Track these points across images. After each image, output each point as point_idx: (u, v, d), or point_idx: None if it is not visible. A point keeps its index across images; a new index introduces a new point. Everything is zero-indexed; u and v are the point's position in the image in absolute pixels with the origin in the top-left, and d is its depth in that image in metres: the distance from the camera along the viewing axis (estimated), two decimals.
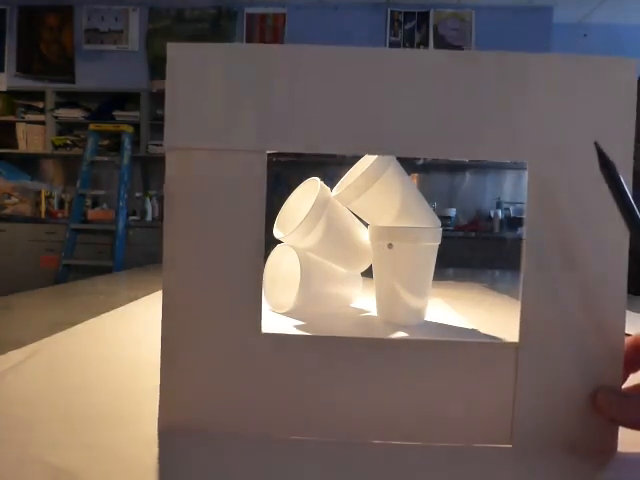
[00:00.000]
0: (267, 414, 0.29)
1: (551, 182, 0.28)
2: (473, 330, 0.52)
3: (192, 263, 0.29)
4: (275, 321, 0.52)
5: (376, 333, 0.50)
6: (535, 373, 0.29)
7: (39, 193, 3.35)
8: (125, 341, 0.48)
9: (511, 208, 3.24)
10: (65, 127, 3.51)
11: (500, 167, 3.34)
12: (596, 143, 0.26)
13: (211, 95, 0.29)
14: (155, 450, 0.26)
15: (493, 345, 0.30)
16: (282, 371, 0.29)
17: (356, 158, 0.54)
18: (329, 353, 0.29)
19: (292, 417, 0.29)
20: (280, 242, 0.55)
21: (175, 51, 0.29)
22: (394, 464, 0.26)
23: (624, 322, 0.28)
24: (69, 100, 3.47)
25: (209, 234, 0.29)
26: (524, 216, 0.29)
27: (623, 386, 0.29)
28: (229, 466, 0.25)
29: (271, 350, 0.29)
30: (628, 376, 0.29)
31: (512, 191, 3.38)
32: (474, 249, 2.91)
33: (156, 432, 0.28)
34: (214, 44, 0.29)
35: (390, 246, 0.51)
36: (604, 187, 0.27)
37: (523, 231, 0.29)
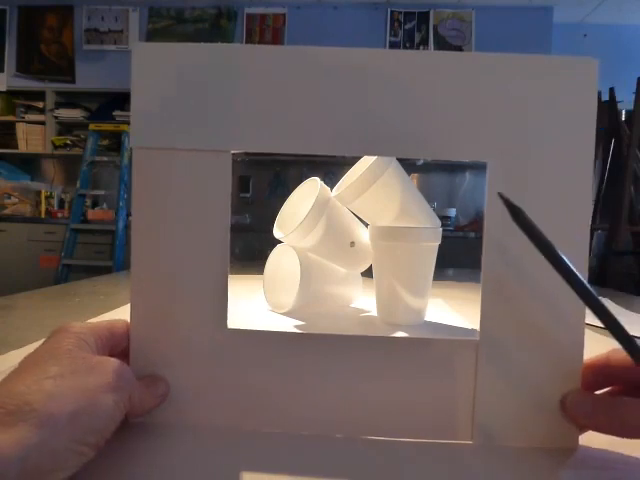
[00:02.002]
0: (233, 407, 0.30)
1: (510, 182, 0.29)
2: (473, 330, 0.52)
3: (159, 260, 0.30)
4: (275, 321, 0.52)
5: (375, 333, 0.50)
6: (495, 370, 0.29)
7: (39, 193, 3.35)
8: None
9: None
10: (65, 127, 3.50)
11: None
12: (500, 194, 0.26)
13: (177, 95, 0.29)
14: (125, 442, 0.27)
15: (453, 342, 0.30)
16: (248, 365, 0.30)
17: (356, 158, 0.54)
18: (293, 348, 0.30)
19: (258, 410, 0.30)
20: (280, 242, 0.55)
21: (140, 51, 0.29)
22: (356, 457, 0.27)
23: (584, 317, 0.29)
24: (69, 100, 3.47)
25: (175, 231, 0.30)
26: (484, 217, 0.29)
27: None
28: (195, 458, 0.26)
29: (237, 345, 0.30)
30: (605, 387, 0.29)
31: None
32: (474, 249, 2.91)
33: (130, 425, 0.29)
34: (179, 44, 0.29)
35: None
36: (561, 187, 0.28)
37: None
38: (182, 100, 0.29)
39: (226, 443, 0.28)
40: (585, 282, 0.25)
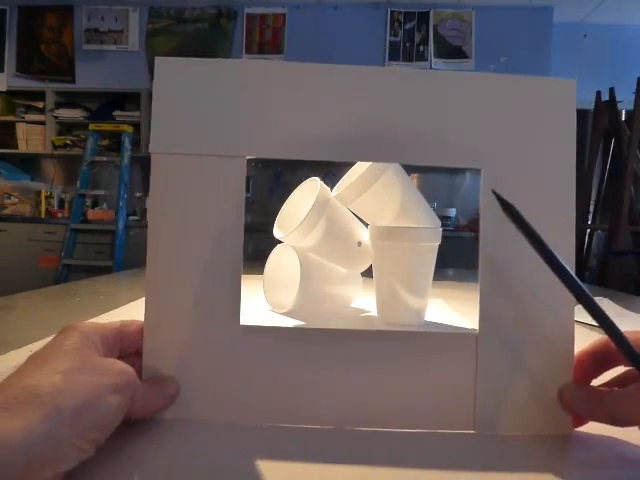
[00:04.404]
0: (246, 402, 0.31)
1: (502, 185, 0.31)
2: (473, 330, 0.52)
3: (174, 261, 0.31)
4: (275, 321, 0.52)
5: None
6: (494, 361, 0.31)
7: (39, 193, 3.35)
8: None
9: None
10: (65, 127, 3.51)
11: None
12: (493, 190, 0.29)
13: (195, 105, 0.31)
14: (137, 437, 0.27)
15: (454, 335, 0.32)
16: (260, 361, 0.31)
17: None
18: (304, 344, 0.31)
19: (270, 405, 0.31)
20: (280, 242, 0.55)
21: (162, 65, 0.31)
22: (362, 449, 0.28)
23: (573, 309, 0.31)
24: (69, 100, 3.47)
25: (191, 232, 0.31)
26: (480, 217, 0.32)
27: (594, 383, 0.31)
28: (209, 452, 0.26)
29: (249, 341, 0.31)
30: (600, 374, 0.31)
31: None
32: (474, 249, 2.90)
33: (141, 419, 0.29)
34: (198, 59, 0.31)
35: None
36: (547, 192, 0.31)
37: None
38: (200, 110, 0.31)
39: (240, 438, 0.28)
40: (571, 271, 0.27)
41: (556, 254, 0.27)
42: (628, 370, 0.30)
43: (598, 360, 0.30)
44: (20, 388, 0.21)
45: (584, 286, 0.26)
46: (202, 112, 0.31)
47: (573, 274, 0.27)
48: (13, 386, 0.22)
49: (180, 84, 0.31)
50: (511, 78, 0.32)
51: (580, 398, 0.29)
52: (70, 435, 0.21)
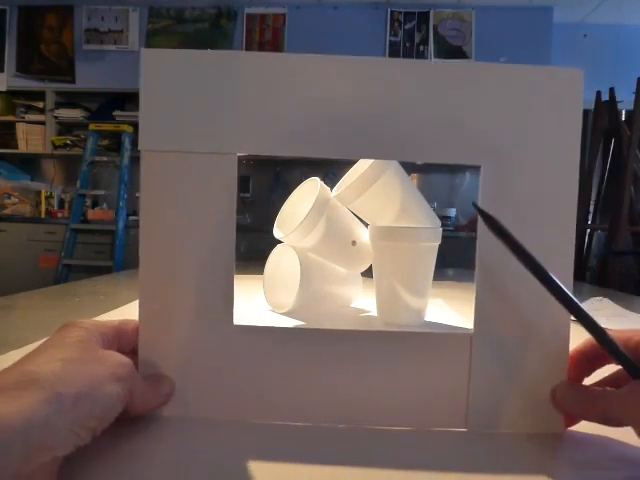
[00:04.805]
0: (239, 401, 0.31)
1: (502, 183, 0.31)
2: (469, 330, 0.52)
3: (167, 260, 0.31)
4: (275, 321, 0.52)
5: None
6: (488, 361, 0.31)
7: (39, 193, 3.35)
8: None
9: None
10: (65, 127, 3.50)
11: None
12: (473, 203, 0.29)
13: (184, 100, 0.30)
14: (135, 434, 0.28)
15: (449, 336, 0.32)
16: (253, 360, 0.31)
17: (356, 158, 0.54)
18: (297, 344, 0.31)
19: (263, 403, 0.31)
20: (280, 242, 0.55)
21: (149, 56, 0.30)
22: (357, 446, 0.28)
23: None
24: (69, 100, 3.47)
25: (183, 231, 0.31)
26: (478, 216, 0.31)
27: (587, 381, 0.31)
28: (203, 450, 0.26)
29: (243, 341, 0.31)
30: (592, 372, 0.31)
31: None
32: (474, 249, 2.91)
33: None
34: (186, 50, 0.30)
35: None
36: (549, 188, 0.30)
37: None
38: (189, 104, 0.30)
39: (233, 435, 0.29)
40: (557, 280, 0.27)
41: (539, 261, 0.27)
42: (620, 369, 0.30)
43: (590, 358, 0.31)
44: (19, 374, 0.21)
45: (568, 290, 0.27)
46: (191, 107, 0.30)
47: (556, 279, 0.27)
48: (13, 372, 0.22)
49: (168, 77, 0.30)
50: (513, 68, 0.30)
51: (573, 397, 0.29)
52: (69, 422, 0.21)
